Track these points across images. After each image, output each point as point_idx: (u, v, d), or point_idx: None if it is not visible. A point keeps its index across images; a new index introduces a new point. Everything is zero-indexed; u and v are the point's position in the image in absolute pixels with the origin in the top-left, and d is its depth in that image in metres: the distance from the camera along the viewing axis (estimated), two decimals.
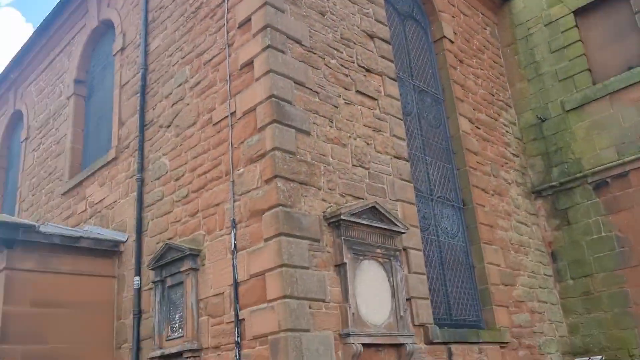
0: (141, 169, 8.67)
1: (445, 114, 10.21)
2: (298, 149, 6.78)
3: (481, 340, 8.47)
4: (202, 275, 7.17)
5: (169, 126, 8.39)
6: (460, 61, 10.80)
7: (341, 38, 8.03)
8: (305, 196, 6.67)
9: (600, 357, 9.78)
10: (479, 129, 10.58)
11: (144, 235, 8.36)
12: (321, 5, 7.88)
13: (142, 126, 8.89)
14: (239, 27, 7.43)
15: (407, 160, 8.41)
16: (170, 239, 7.77)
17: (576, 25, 11.33)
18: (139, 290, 8.10)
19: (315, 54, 7.49)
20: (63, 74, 11.91)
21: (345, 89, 7.78)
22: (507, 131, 11.47)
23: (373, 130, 7.99)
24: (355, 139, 7.65)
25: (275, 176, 6.44)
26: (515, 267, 10.01)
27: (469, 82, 10.82)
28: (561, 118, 11.20)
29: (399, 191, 8.02)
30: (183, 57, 8.39)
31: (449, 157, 9.89)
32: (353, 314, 6.59)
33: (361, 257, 7.00)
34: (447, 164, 9.79)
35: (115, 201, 9.16)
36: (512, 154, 11.33)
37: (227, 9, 7.69)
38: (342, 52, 7.94)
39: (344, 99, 7.69)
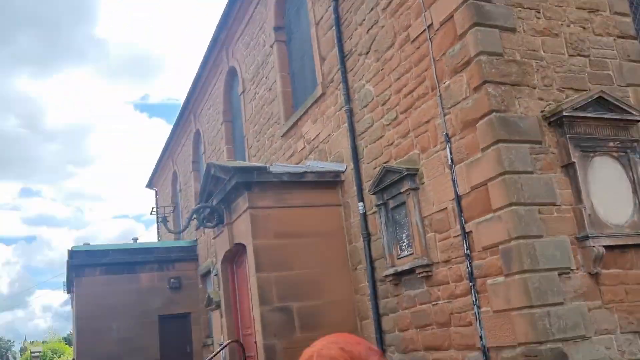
0: (348, 99, 8.93)
1: None
2: (505, 49, 6.34)
3: None
4: (423, 193, 7.26)
5: (367, 53, 8.45)
6: None
7: None
8: (519, 98, 6.26)
9: None
10: None
11: (361, 162, 8.70)
12: None
13: (342, 58, 9.10)
14: None
15: (634, 39, 7.34)
16: (386, 162, 7.97)
17: None
18: (364, 215, 8.53)
19: None
20: (263, 24, 12.65)
21: None
22: None
23: (589, 12, 7.09)
24: (568, 25, 6.87)
25: (484, 82, 6.13)
26: None
27: None
28: None
29: (629, 75, 7.07)
30: None
31: None
32: (589, 215, 6.13)
33: (591, 154, 6.41)
34: None
35: (329, 135, 9.63)
36: None
37: None
38: None
39: None
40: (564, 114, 6.21)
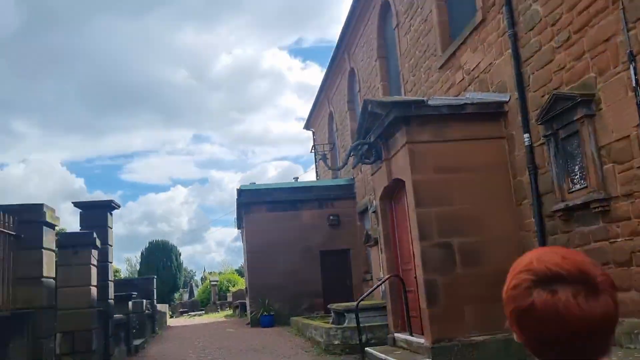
0: (512, 23, 8.26)
1: None
2: None
3: None
4: (599, 120, 6.57)
5: None
6: None
7: None
8: None
9: None
10: None
11: (527, 91, 8.09)
12: None
13: None
14: None
15: None
16: (555, 89, 7.31)
17: None
18: (530, 147, 7.99)
19: None
20: None
21: None
22: None
23: None
24: None
25: None
26: None
27: None
28: None
29: None
30: None
31: None
32: None
33: None
34: None
35: (491, 63, 9.05)
36: None
37: None
38: None
39: None
40: None
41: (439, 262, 8.17)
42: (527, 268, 1.09)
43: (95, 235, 9.76)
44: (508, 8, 8.30)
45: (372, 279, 17.20)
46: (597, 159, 6.59)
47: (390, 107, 8.68)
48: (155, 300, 21.35)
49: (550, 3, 7.35)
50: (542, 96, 7.64)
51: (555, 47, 7.33)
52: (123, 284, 19.40)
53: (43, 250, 6.85)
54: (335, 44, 20.02)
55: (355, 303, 10.41)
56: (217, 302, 37.43)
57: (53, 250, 7.44)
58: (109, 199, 11.52)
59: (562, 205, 7.22)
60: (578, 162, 6.95)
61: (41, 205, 6.89)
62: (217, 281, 40.72)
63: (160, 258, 45.22)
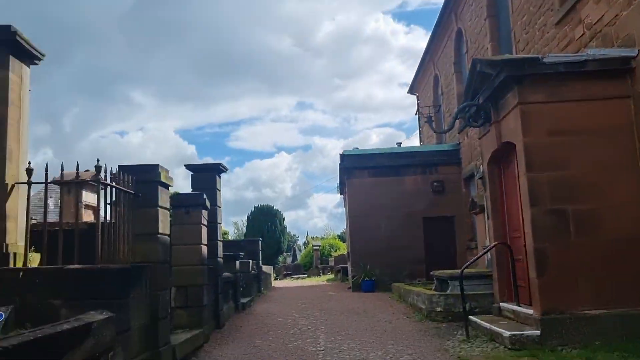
0: None
1: None
2: None
3: None
4: None
5: None
6: None
7: None
8: None
9: None
10: None
11: None
12: None
13: None
14: None
15: None
16: None
17: None
18: None
19: None
20: None
21: None
22: None
23: None
24: None
25: None
26: None
27: None
28: None
29: None
30: None
31: None
32: None
33: None
34: None
35: (617, 15, 8.24)
36: None
37: None
38: None
39: None
40: None
41: (550, 230, 7.72)
42: None
43: (204, 196, 10.20)
44: None
45: (476, 247, 16.73)
46: None
47: (501, 65, 8.20)
48: (260, 262, 22.17)
49: None
50: None
51: None
52: (231, 245, 20.30)
53: (158, 208, 7.22)
54: (441, 5, 19.28)
55: (459, 270, 10.15)
56: (319, 266, 38.26)
57: (167, 209, 7.83)
58: (217, 162, 11.97)
59: None
60: None
61: (156, 165, 7.24)
62: (319, 246, 41.56)
63: (265, 222, 46.83)
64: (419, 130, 27.09)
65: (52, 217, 13.31)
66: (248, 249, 20.75)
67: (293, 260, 47.03)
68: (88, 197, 10.86)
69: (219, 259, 11.70)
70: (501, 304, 9.43)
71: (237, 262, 14.90)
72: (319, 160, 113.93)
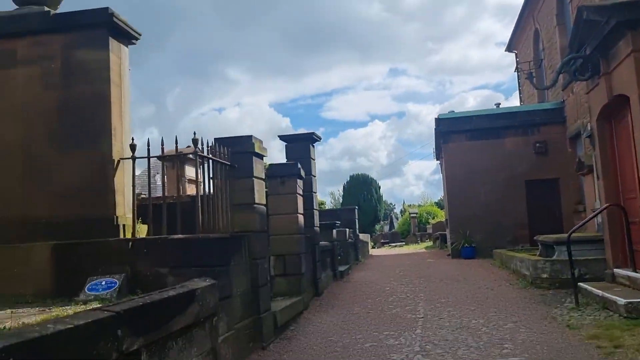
0: None
1: None
2: None
3: None
4: None
5: None
6: None
7: None
8: None
9: None
10: None
11: None
12: None
13: None
14: None
15: None
16: None
17: None
18: None
19: None
20: None
21: None
22: None
23: None
24: None
25: None
26: None
27: None
28: None
29: None
30: None
31: None
32: None
33: None
34: None
35: None
36: None
37: None
38: None
39: None
40: None
41: None
42: None
43: (299, 166, 10.27)
44: None
45: (584, 211, 15.79)
46: None
47: (612, 11, 7.49)
48: (357, 230, 22.24)
49: None
50: None
51: None
52: (327, 214, 20.52)
53: (254, 179, 7.35)
54: None
55: (566, 235, 9.57)
56: (417, 233, 37.90)
57: (263, 179, 7.96)
58: (310, 131, 12.00)
59: None
60: None
61: (250, 136, 7.34)
62: (416, 213, 41.11)
63: (361, 191, 46.89)
64: (519, 90, 25.75)
65: (158, 192, 14.04)
66: (344, 217, 20.86)
67: (390, 229, 46.90)
68: (190, 171, 11.31)
69: (315, 227, 11.82)
70: (615, 270, 8.82)
71: (334, 231, 15.01)
72: (414, 127, 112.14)
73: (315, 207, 11.94)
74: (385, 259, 22.41)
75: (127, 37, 7.22)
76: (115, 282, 5.85)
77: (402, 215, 50.30)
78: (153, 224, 6.48)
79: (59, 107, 6.81)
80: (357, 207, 25.47)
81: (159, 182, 18.24)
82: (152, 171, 6.80)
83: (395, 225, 47.31)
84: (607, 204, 8.85)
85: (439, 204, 46.22)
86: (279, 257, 9.75)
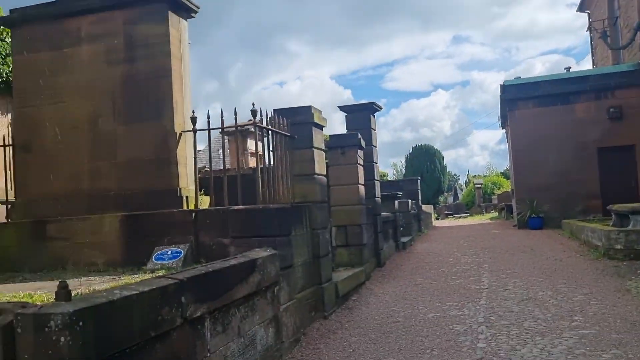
0: None
1: None
2: None
3: None
4: None
5: None
6: None
7: None
8: None
9: None
10: None
11: None
12: None
13: None
14: None
15: None
16: None
17: None
18: None
19: None
20: None
21: None
22: None
23: None
24: None
25: None
26: None
27: None
28: None
29: None
30: None
31: None
32: None
33: None
34: None
35: None
36: None
37: None
38: None
39: None
40: None
41: None
42: None
43: (359, 136, 10.16)
44: None
45: None
46: None
47: None
48: (420, 201, 21.96)
49: None
50: None
51: None
52: (389, 185, 20.36)
53: (313, 149, 7.32)
54: None
55: None
56: (482, 204, 37.11)
57: (323, 150, 7.92)
58: (370, 101, 11.83)
59: None
60: None
61: (309, 107, 7.30)
62: (481, 184, 40.20)
63: (424, 162, 46.19)
64: (591, 52, 24.41)
65: (221, 166, 14.30)
66: (407, 188, 20.62)
67: (454, 200, 46.12)
68: (252, 145, 11.44)
69: (376, 198, 11.73)
70: None
71: (396, 202, 14.86)
72: (478, 96, 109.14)
73: (376, 178, 11.83)
74: (448, 230, 22.08)
75: (186, 10, 7.28)
76: (181, 252, 6.01)
77: (466, 187, 49.34)
78: (215, 195, 6.60)
79: (123, 82, 6.99)
80: (419, 178, 25.12)
81: (222, 156, 18.65)
82: (215, 146, 6.90)
83: (460, 196, 46.47)
84: None
85: (504, 174, 44.98)
86: (340, 227, 9.75)
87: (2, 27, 11.47)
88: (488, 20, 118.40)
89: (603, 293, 7.09)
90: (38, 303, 3.06)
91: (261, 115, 6.39)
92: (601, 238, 10.55)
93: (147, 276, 5.25)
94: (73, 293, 2.91)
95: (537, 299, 7.10)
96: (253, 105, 6.35)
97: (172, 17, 6.96)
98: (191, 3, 7.21)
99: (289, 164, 7.05)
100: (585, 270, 8.94)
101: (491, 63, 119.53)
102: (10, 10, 7.78)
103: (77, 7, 7.13)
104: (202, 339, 3.86)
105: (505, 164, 46.37)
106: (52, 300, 2.84)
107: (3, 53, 12.23)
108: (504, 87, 19.66)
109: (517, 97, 19.09)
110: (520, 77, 20.87)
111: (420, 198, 22.33)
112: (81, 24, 7.15)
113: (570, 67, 22.10)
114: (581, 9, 24.97)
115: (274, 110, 6.93)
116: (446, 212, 37.55)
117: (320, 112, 7.64)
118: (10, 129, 9.41)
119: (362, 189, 10.16)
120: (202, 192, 7.00)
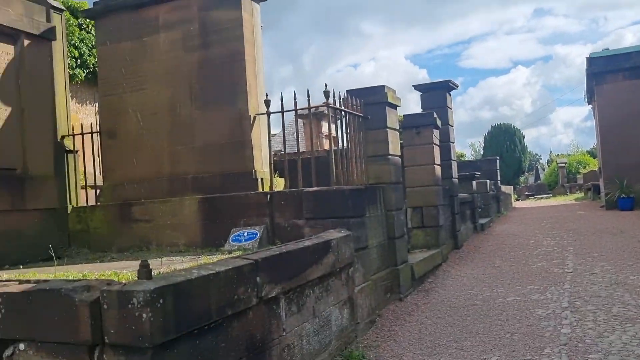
0: None
1: None
2: None
3: None
4: None
5: None
6: None
7: None
8: None
9: None
10: None
11: None
12: None
13: None
14: None
15: None
16: None
17: None
18: None
19: None
20: None
21: None
22: None
23: None
24: None
25: None
26: None
27: None
28: None
29: None
30: None
31: None
32: None
33: None
34: None
35: None
36: None
37: None
38: None
39: None
40: None
41: None
42: None
43: (435, 115, 9.92)
44: None
45: None
46: None
47: None
48: (499, 182, 21.27)
49: None
50: None
51: None
52: (466, 165, 19.84)
53: (387, 129, 7.22)
54: None
55: None
56: (565, 184, 35.46)
57: (397, 130, 7.80)
58: (446, 79, 11.52)
59: None
60: None
61: (382, 86, 7.19)
62: (565, 163, 38.41)
63: (503, 142, 44.64)
64: None
65: (295, 149, 14.45)
66: (485, 169, 20.02)
67: (535, 180, 44.38)
68: (326, 128, 11.44)
69: (453, 179, 11.46)
70: None
71: (474, 183, 14.46)
72: (562, 71, 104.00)
73: (452, 158, 11.54)
74: (529, 211, 21.26)
75: None
76: (256, 233, 6.12)
77: (548, 166, 47.32)
78: (289, 177, 6.65)
79: (199, 68, 7.15)
80: (498, 158, 24.29)
81: (296, 139, 18.82)
82: (289, 129, 6.95)
83: (541, 176, 44.66)
84: None
85: (591, 153, 42.75)
86: (415, 209, 9.61)
87: (87, 19, 12.05)
88: None
89: None
90: (123, 281, 3.20)
91: (334, 97, 6.36)
92: None
93: (225, 257, 5.39)
94: (155, 272, 3.02)
95: (628, 283, 6.71)
96: (326, 86, 6.32)
97: (245, 2, 7.02)
98: None
99: (363, 145, 6.99)
100: None
101: (576, 35, 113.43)
102: (94, 2, 8.14)
103: None
104: (277, 319, 3.92)
105: (591, 142, 44.07)
106: (136, 278, 2.97)
107: (89, 45, 12.86)
108: (591, 60, 18.57)
109: (605, 69, 17.98)
110: (608, 49, 19.65)
111: (499, 178, 21.62)
112: (159, 13, 7.36)
113: None
114: None
115: (347, 91, 6.88)
116: (527, 192, 36.18)
117: (394, 91, 7.51)
118: (97, 116, 9.91)
119: (438, 169, 9.95)
120: (277, 174, 7.08)
